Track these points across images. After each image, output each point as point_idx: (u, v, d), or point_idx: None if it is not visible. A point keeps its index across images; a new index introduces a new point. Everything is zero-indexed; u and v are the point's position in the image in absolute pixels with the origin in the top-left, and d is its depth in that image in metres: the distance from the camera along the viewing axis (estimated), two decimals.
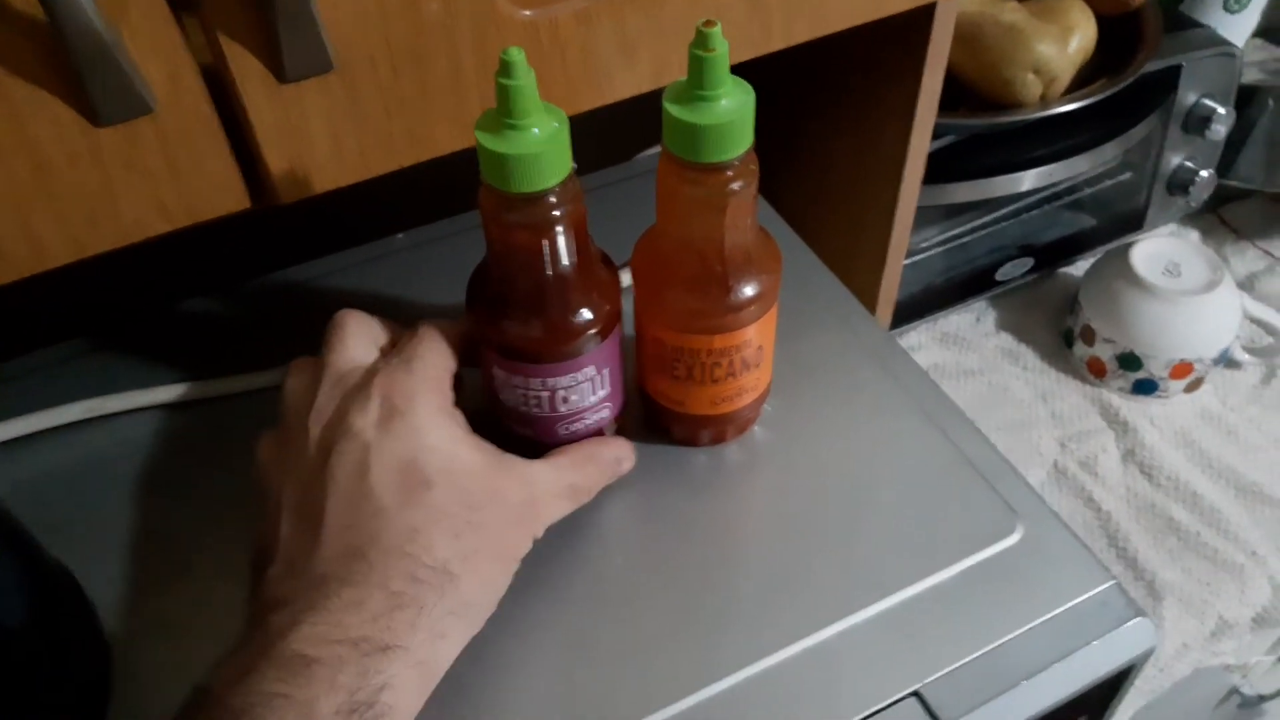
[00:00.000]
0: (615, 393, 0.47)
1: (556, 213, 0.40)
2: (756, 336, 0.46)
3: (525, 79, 0.36)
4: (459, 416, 0.42)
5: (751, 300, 0.44)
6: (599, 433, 0.48)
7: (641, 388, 0.50)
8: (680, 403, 0.48)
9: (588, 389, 0.45)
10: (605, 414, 0.47)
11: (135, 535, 0.48)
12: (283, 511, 0.40)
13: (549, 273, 0.41)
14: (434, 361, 0.42)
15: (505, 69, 0.36)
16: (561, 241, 0.41)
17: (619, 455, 0.47)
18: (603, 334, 0.44)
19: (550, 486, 0.44)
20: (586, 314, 0.43)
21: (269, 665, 0.34)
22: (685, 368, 0.46)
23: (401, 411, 0.40)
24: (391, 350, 0.44)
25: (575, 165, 0.40)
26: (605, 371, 0.45)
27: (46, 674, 0.40)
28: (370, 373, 0.42)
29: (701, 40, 0.37)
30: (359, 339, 0.44)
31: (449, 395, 0.43)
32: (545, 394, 0.44)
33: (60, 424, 0.52)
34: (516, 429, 0.47)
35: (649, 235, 0.46)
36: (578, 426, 0.46)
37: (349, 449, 0.39)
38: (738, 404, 0.48)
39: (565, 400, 0.45)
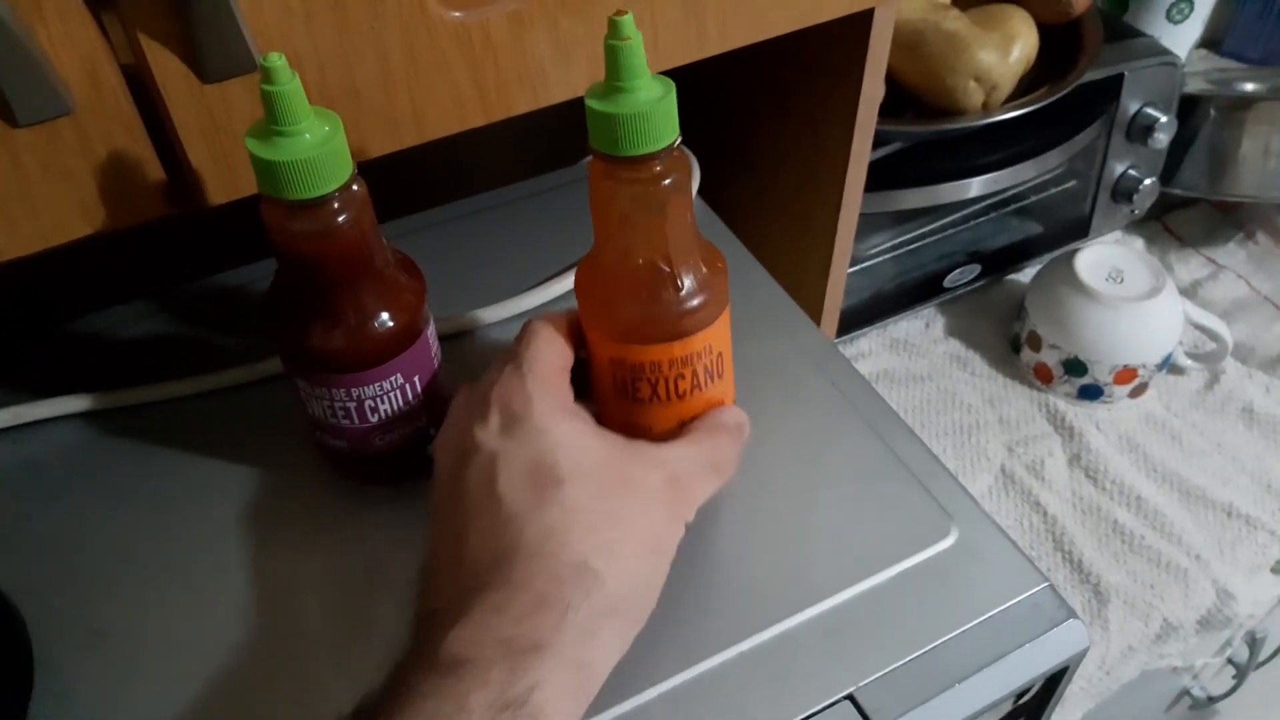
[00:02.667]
0: (431, 399, 0.46)
1: (341, 218, 0.39)
2: (716, 342, 0.44)
3: (289, 84, 0.36)
4: (581, 411, 0.42)
5: (705, 301, 0.43)
6: (418, 444, 0.47)
7: (601, 425, 0.46)
8: (648, 429, 0.45)
9: (397, 397, 0.44)
10: (421, 422, 0.46)
11: (61, 541, 0.47)
12: (434, 526, 0.41)
13: (341, 280, 0.41)
14: (545, 360, 0.42)
15: (267, 75, 0.35)
16: (351, 247, 0.40)
17: (739, 420, 0.45)
18: (408, 339, 0.43)
19: (690, 464, 0.42)
20: (387, 320, 0.42)
21: (423, 668, 0.35)
22: (648, 386, 0.44)
23: (520, 416, 0.40)
24: (507, 356, 0.43)
25: (356, 169, 0.40)
26: (416, 378, 0.45)
27: None
28: (488, 384, 0.42)
29: (614, 29, 0.37)
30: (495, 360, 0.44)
31: (566, 391, 0.43)
32: (352, 404, 0.44)
33: None
34: (330, 441, 0.46)
35: (589, 257, 0.45)
36: (392, 436, 0.46)
37: (476, 461, 0.39)
38: None
39: (375, 410, 0.44)
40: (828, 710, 0.41)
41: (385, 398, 0.43)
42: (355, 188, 0.39)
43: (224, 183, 0.41)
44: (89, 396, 0.52)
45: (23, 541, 0.47)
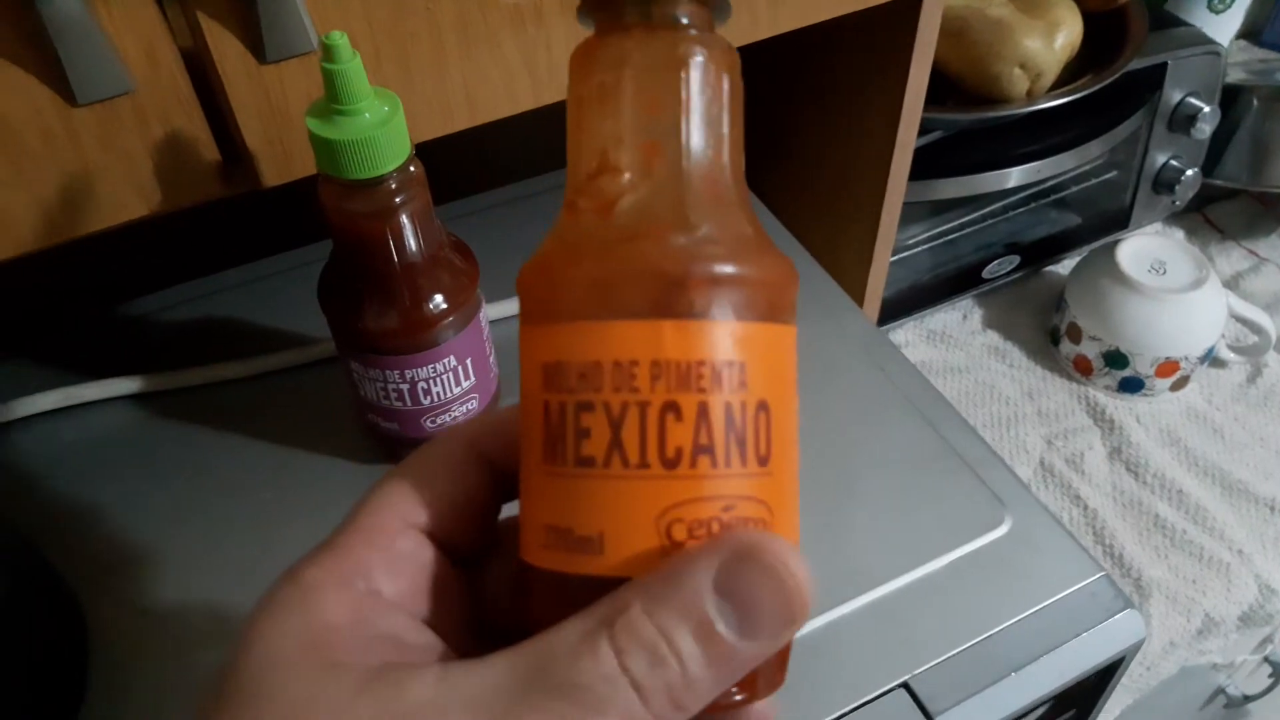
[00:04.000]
0: (482, 383, 0.46)
1: (398, 199, 0.39)
2: (759, 367, 0.23)
3: (350, 63, 0.36)
4: (320, 614, 0.22)
5: (745, 267, 0.23)
6: None
7: (523, 565, 0.24)
8: (594, 549, 0.22)
9: (450, 380, 0.44)
10: (473, 405, 0.46)
11: (113, 521, 0.47)
12: None
13: (397, 261, 0.41)
14: (352, 535, 0.24)
15: (329, 53, 0.35)
16: (406, 228, 0.40)
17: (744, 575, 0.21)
18: (461, 322, 0.43)
19: (459, 697, 0.20)
20: (441, 301, 0.42)
21: None
22: (604, 421, 0.22)
23: (229, 659, 0.23)
24: None
25: (414, 150, 0.39)
26: (468, 361, 0.45)
27: (21, 655, 0.39)
28: None
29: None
30: None
31: (329, 587, 0.23)
32: (405, 386, 0.44)
33: (37, 411, 0.52)
34: (381, 424, 0.46)
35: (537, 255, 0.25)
36: (445, 419, 0.45)
37: None
38: None
39: (427, 392, 0.44)
40: (883, 698, 0.41)
41: (438, 380, 0.43)
42: (412, 168, 0.39)
43: (278, 164, 0.41)
44: (141, 378, 0.53)
45: (75, 521, 0.47)
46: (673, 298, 0.22)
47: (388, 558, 0.24)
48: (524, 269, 0.24)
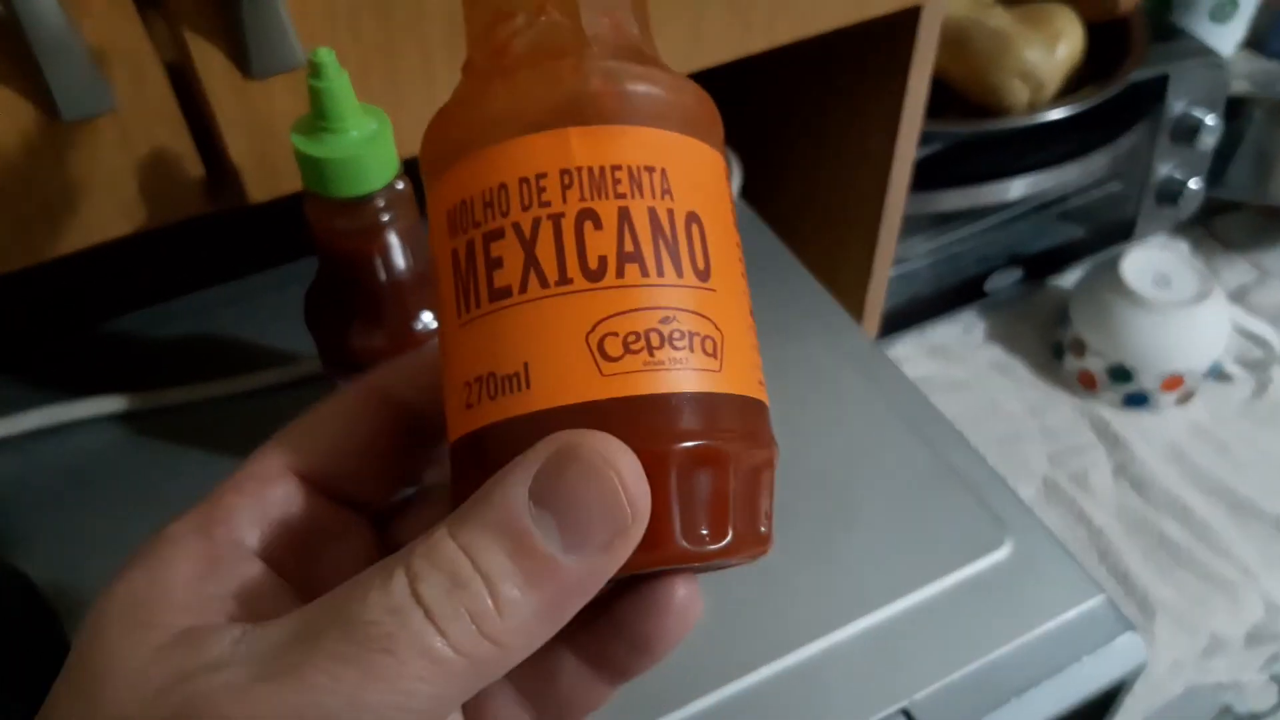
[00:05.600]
0: None
1: (384, 217, 0.38)
2: (680, 171, 0.21)
3: (337, 80, 0.35)
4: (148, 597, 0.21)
5: (637, 73, 0.22)
6: None
7: (448, 454, 0.22)
8: (520, 385, 0.20)
9: None
10: None
11: (97, 543, 0.47)
12: None
13: (384, 279, 0.40)
14: (214, 503, 0.23)
15: (315, 70, 0.35)
16: (394, 246, 0.39)
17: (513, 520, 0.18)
18: None
19: (245, 653, 0.19)
20: (429, 321, 0.42)
21: None
22: (514, 242, 0.20)
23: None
24: None
25: (402, 168, 0.39)
26: None
27: (1, 678, 0.38)
28: None
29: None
30: None
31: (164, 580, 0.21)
32: None
33: (18, 432, 0.51)
34: None
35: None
36: None
37: None
38: (659, 381, 0.20)
39: None
40: None
41: None
42: (400, 186, 0.38)
43: (265, 180, 0.41)
44: (125, 397, 0.52)
45: (60, 542, 0.47)
46: (577, 105, 0.21)
47: (256, 504, 0.22)
48: (425, 132, 0.23)
